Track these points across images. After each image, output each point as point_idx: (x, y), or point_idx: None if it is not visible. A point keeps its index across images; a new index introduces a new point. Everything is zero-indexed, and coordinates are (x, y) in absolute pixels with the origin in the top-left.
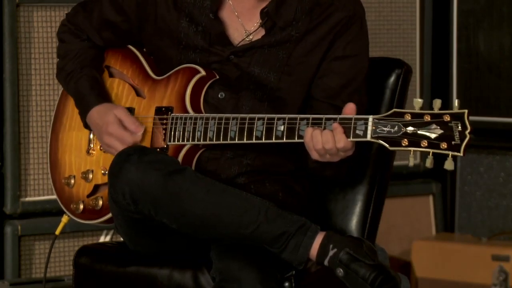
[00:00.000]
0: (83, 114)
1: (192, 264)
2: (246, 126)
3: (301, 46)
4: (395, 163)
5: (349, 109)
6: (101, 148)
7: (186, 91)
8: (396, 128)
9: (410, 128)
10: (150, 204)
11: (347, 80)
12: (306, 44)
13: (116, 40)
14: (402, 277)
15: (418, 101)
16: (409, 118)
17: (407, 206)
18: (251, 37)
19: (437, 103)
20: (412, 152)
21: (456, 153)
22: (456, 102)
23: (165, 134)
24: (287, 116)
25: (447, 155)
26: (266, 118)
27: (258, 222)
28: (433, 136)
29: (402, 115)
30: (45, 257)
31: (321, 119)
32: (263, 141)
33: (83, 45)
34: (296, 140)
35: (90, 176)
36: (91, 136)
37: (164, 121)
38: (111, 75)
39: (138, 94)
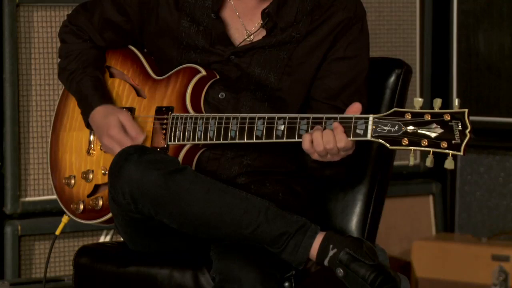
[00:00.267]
0: (86, 114)
1: (192, 264)
2: (247, 125)
3: (302, 47)
4: (395, 163)
5: (355, 108)
6: (102, 148)
7: (187, 91)
8: (396, 127)
9: (410, 127)
10: (150, 204)
11: (347, 81)
12: (307, 45)
13: (117, 40)
14: (402, 277)
15: (418, 101)
16: (410, 117)
17: (407, 206)
18: (252, 37)
19: (438, 102)
20: (412, 151)
21: (456, 152)
22: (456, 102)
23: (165, 134)
24: (287, 115)
25: (447, 154)
26: (266, 118)
27: (258, 222)
28: (433, 135)
29: (402, 114)
30: (45, 257)
31: (321, 118)
32: (264, 140)
33: (85, 46)
34: (296, 139)
35: (90, 176)
36: (92, 136)
37: (165, 121)
38: (111, 75)
39: (138, 94)
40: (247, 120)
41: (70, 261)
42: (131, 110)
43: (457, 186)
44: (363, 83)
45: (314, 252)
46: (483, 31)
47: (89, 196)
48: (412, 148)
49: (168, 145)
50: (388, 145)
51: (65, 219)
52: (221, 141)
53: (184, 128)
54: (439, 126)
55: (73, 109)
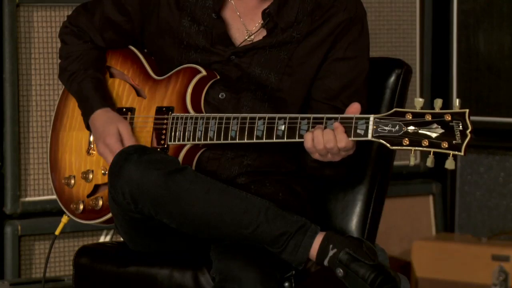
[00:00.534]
0: (86, 115)
1: (192, 264)
2: (247, 125)
3: (302, 47)
4: (395, 163)
5: (354, 109)
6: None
7: (187, 91)
8: (397, 128)
9: (411, 128)
10: (150, 204)
11: (347, 81)
12: (307, 45)
13: (118, 40)
14: (402, 277)
15: (419, 101)
16: (410, 117)
17: (407, 206)
18: (252, 37)
19: (438, 102)
20: (413, 151)
21: (457, 153)
22: (457, 102)
23: (165, 134)
24: (288, 115)
25: (448, 155)
26: (267, 118)
27: (258, 222)
28: (434, 135)
29: (403, 114)
30: (45, 257)
31: (322, 118)
32: (264, 140)
33: (86, 47)
34: (297, 139)
35: (90, 176)
36: (92, 136)
37: (165, 121)
38: (111, 76)
39: (138, 94)
40: (248, 120)
41: (70, 261)
42: (131, 110)
43: (457, 186)
44: (363, 84)
45: (314, 252)
46: (483, 31)
47: (89, 196)
48: (413, 148)
49: (168, 145)
50: (388, 145)
51: (64, 219)
52: (222, 141)
53: (185, 128)
54: (439, 127)
55: (73, 109)
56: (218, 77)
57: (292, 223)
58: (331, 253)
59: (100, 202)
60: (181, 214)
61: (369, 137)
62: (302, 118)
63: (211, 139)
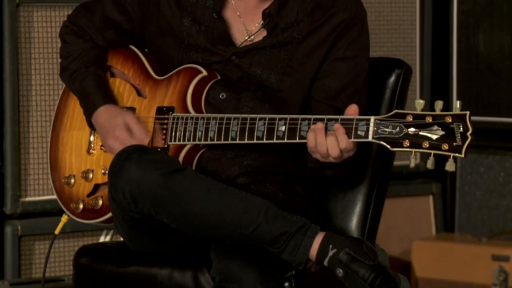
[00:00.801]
0: (88, 113)
1: (192, 264)
2: (248, 126)
3: (302, 47)
4: (395, 163)
5: (352, 110)
6: (102, 147)
7: (188, 91)
8: (397, 129)
9: (411, 129)
10: (150, 204)
11: (347, 81)
12: (308, 46)
13: (118, 40)
14: (402, 278)
15: (420, 102)
16: (411, 119)
17: (407, 206)
18: (252, 37)
19: (439, 104)
20: (413, 153)
21: (457, 155)
22: (457, 104)
23: (166, 134)
24: (288, 116)
25: (448, 156)
26: (267, 119)
27: (258, 222)
28: (434, 137)
29: (403, 116)
30: (45, 257)
31: (322, 119)
32: (264, 141)
33: (86, 45)
34: (297, 140)
35: (90, 175)
36: (92, 136)
37: (165, 121)
38: (112, 75)
39: (139, 94)
40: (248, 121)
41: (70, 261)
42: (131, 110)
43: (457, 186)
44: (363, 84)
45: (314, 252)
46: (483, 31)
47: (88, 195)
48: (413, 150)
49: (168, 145)
50: (389, 146)
51: (64, 218)
52: (222, 142)
53: (185, 128)
54: (440, 128)
55: (73, 109)
56: (219, 77)
57: (292, 223)
58: (331, 253)
59: (100, 202)
60: (181, 214)
61: (370, 138)
62: (303, 119)
63: (212, 139)
